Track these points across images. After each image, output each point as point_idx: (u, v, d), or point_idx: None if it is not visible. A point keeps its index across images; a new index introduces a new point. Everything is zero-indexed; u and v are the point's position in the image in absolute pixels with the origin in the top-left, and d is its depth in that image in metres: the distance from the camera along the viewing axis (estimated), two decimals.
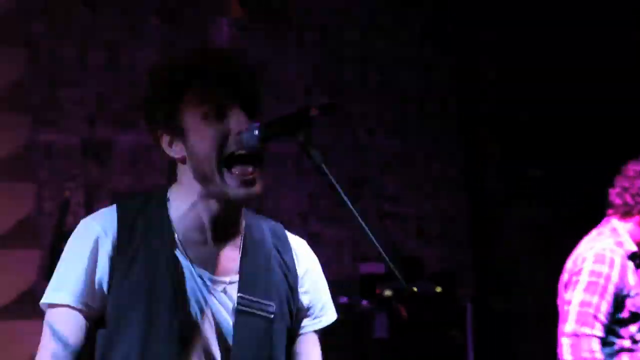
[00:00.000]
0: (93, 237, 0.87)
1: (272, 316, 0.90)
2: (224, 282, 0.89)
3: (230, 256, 0.91)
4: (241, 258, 0.91)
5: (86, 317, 0.86)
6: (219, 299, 0.89)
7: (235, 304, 0.88)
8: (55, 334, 0.85)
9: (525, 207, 4.31)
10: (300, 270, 0.96)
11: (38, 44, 3.20)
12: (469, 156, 4.49)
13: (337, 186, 0.80)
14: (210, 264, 0.89)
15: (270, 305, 0.90)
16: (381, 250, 0.81)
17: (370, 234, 0.81)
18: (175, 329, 0.84)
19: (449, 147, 4.45)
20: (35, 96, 3.18)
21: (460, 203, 4.43)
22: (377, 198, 4.10)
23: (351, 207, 0.79)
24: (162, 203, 0.91)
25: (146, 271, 0.86)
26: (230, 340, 0.88)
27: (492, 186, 4.44)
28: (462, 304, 3.61)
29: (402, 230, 4.17)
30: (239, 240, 0.92)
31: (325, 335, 1.01)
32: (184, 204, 0.90)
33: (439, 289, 3.39)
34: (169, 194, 0.92)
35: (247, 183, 0.85)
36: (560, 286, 2.20)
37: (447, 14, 4.45)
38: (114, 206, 0.92)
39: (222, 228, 0.90)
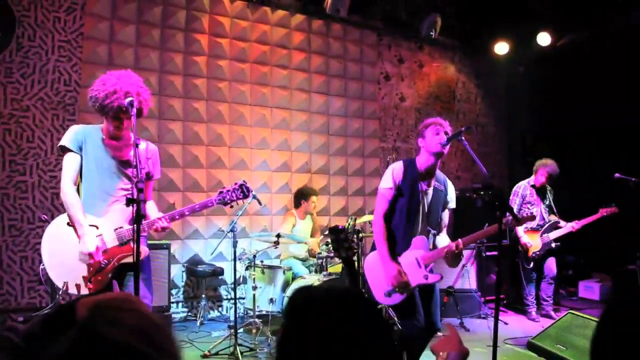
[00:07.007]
0: None
1: (445, 194, 3.29)
2: (431, 186, 3.24)
3: (433, 180, 3.26)
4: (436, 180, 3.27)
5: None
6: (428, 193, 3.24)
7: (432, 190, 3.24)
8: None
9: None
10: (449, 189, 3.33)
11: None
12: None
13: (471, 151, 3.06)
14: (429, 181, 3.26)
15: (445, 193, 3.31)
16: None
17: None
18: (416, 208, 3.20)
19: None
20: None
21: None
22: None
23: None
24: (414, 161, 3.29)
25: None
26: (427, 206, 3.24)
27: None
28: None
29: None
30: (434, 177, 3.27)
31: None
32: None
33: None
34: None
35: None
36: None
37: None
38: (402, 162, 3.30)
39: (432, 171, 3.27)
